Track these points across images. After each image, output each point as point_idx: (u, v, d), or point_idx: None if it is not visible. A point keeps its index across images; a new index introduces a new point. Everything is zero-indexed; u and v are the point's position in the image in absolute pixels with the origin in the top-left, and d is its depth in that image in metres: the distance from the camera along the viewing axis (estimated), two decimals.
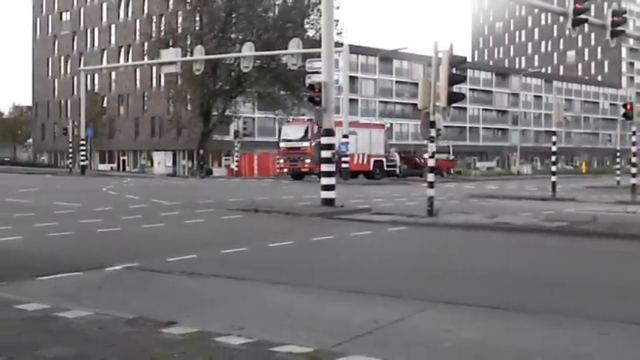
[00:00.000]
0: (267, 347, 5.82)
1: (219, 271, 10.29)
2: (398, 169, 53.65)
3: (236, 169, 60.94)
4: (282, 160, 49.53)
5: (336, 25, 42.71)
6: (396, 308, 7.87)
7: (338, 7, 43.02)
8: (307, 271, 10.69)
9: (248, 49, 41.12)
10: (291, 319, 7.46)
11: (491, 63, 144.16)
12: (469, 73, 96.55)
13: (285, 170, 49.03)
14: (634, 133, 29.02)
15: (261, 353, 5.69)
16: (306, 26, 58.18)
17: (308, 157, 45.42)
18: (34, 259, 11.16)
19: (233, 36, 58.82)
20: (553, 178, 26.97)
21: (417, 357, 5.64)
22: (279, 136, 52.13)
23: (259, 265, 11.12)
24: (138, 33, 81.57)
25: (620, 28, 26.49)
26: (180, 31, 63.07)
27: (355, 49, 73.90)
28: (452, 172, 63.95)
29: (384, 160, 52.33)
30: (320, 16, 49.31)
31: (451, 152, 63.93)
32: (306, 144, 46.53)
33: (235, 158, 62.24)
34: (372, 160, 51.35)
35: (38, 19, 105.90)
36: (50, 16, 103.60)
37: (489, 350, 6.27)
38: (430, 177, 18.37)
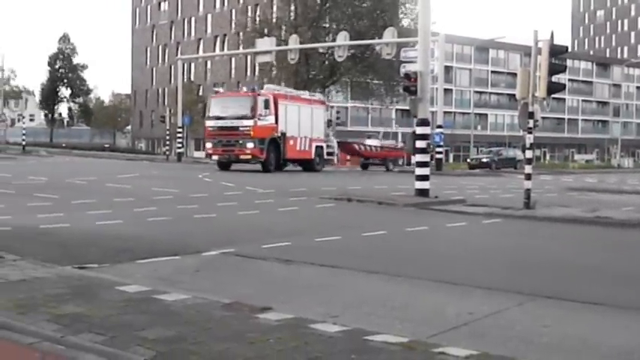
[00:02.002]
0: (361, 336, 5.81)
1: (313, 258, 10.35)
2: (336, 158, 46.73)
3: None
4: (210, 144, 37.88)
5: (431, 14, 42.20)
6: (492, 301, 7.75)
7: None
8: (401, 260, 10.64)
9: (342, 38, 41.16)
10: (386, 308, 7.44)
11: (591, 53, 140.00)
12: (568, 63, 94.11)
13: (215, 157, 37.54)
14: None
15: (356, 341, 5.68)
16: (401, 16, 57.77)
17: (250, 141, 35.67)
18: (134, 243, 11.46)
19: (327, 25, 58.94)
20: None
21: (514, 351, 5.53)
22: (205, 112, 40.92)
23: (353, 253, 11.14)
24: (233, 23, 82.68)
25: None
26: (275, 20, 63.57)
27: (450, 39, 72.92)
28: (401, 162, 54.23)
29: (324, 146, 42.15)
30: (415, 5, 48.89)
31: (399, 139, 57.46)
32: (248, 123, 35.86)
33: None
34: (313, 146, 41.06)
35: (137, 9, 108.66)
36: (149, 6, 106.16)
37: (589, 347, 6.11)
38: (528, 169, 18.02)
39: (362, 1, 60.00)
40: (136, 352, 5.24)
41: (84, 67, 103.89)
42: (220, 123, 36.71)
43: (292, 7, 62.35)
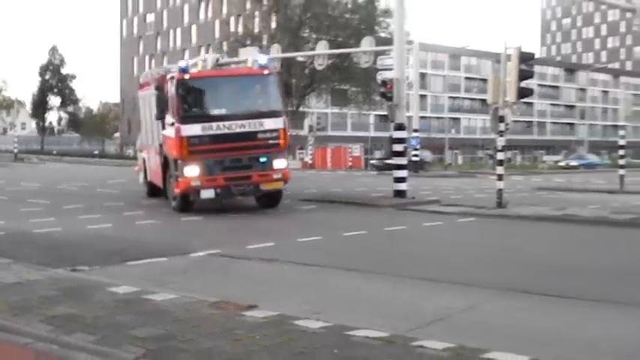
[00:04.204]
0: (343, 331, 5.82)
1: (296, 258, 10.35)
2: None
3: (310, 162, 61.16)
4: (196, 170, 16.44)
5: (407, 24, 42.27)
6: (467, 296, 7.79)
7: (409, 8, 42.48)
8: (381, 259, 10.66)
9: (322, 47, 41.11)
10: (367, 305, 7.46)
11: (559, 59, 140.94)
12: (537, 68, 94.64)
13: (208, 193, 16.70)
14: None
15: (339, 336, 5.69)
16: (376, 27, 57.92)
17: (281, 155, 17.37)
18: (124, 246, 11.43)
19: (306, 35, 58.96)
20: (621, 172, 26.25)
21: (488, 343, 5.56)
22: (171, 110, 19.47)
23: (335, 253, 11.15)
24: (217, 33, 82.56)
25: None
26: (257, 31, 63.53)
27: (425, 47, 73.11)
28: None
29: None
30: (390, 17, 49.03)
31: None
32: (275, 124, 17.24)
33: (309, 152, 62.46)
34: None
35: (124, 21, 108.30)
36: (135, 18, 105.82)
37: (563, 339, 6.15)
38: (500, 170, 18.10)
39: (340, 13, 60.11)
40: (127, 351, 5.22)
41: (73, 77, 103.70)
42: (218, 128, 16.61)
43: (273, 18, 62.36)
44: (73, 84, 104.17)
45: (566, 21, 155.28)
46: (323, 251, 11.25)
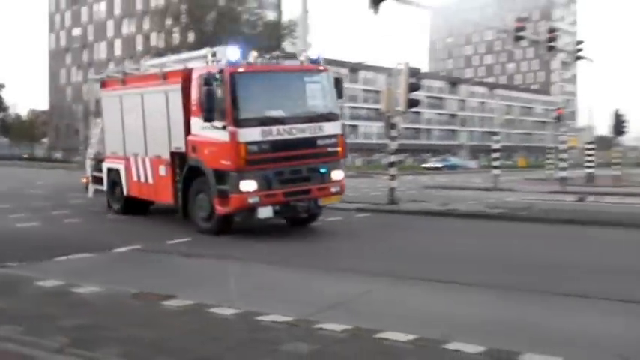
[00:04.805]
0: (254, 317, 5.84)
1: (212, 251, 10.27)
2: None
3: None
4: (253, 184, 11.79)
5: (311, 40, 42.37)
6: (364, 283, 7.91)
7: (313, 28, 42.61)
8: (288, 252, 10.67)
9: None
10: (275, 293, 7.48)
11: (443, 73, 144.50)
12: (425, 81, 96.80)
13: (266, 212, 12.03)
14: (563, 133, 29.31)
15: (249, 321, 5.70)
16: (285, 42, 57.96)
17: (338, 166, 13.08)
18: (51, 243, 11.07)
19: None
20: (495, 172, 27.12)
21: (382, 324, 5.66)
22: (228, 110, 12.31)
23: (249, 247, 11.10)
24: (140, 46, 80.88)
25: (553, 44, 26.87)
26: (176, 44, 62.56)
27: (328, 62, 73.57)
28: None
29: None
30: (294, 34, 49.00)
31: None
32: (334, 129, 12.93)
33: None
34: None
35: (53, 35, 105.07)
36: (63, 32, 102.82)
37: (445, 318, 6.31)
38: (392, 171, 18.42)
39: (249, 29, 59.81)
40: (54, 340, 5.07)
41: (2, 86, 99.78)
42: (278, 132, 12.13)
43: (192, 33, 61.54)
44: (3, 92, 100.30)
45: (450, 40, 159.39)
46: (238, 246, 11.18)
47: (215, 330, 5.42)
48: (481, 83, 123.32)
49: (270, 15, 58.15)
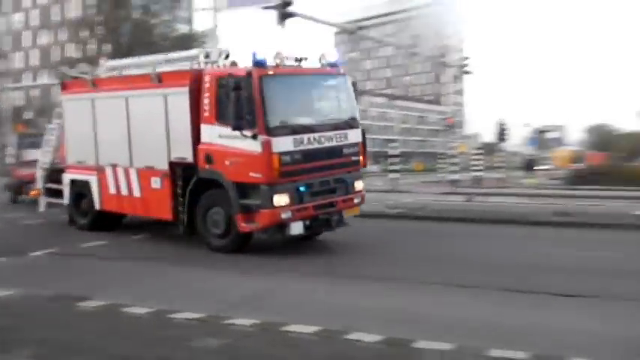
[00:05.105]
0: (166, 314, 5.76)
1: (127, 254, 10.03)
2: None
3: None
4: (285, 198, 9.95)
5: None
6: (271, 281, 7.93)
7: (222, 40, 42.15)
8: (199, 253, 10.53)
9: None
10: (188, 291, 7.39)
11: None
12: None
13: (297, 228, 10.12)
14: (453, 140, 30.28)
15: (162, 319, 5.62)
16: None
17: (359, 176, 11.76)
18: None
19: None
20: (393, 175, 27.68)
21: (288, 318, 5.70)
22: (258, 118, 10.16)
23: (161, 248, 10.88)
24: (56, 56, 78.03)
25: (443, 60, 27.75)
26: (93, 55, 60.73)
27: None
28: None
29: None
30: (204, 43, 48.50)
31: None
32: (355, 137, 11.39)
33: None
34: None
35: None
36: None
37: (350, 311, 6.39)
38: None
39: (162, 40, 58.75)
40: None
41: None
42: (308, 141, 10.41)
43: (109, 45, 59.85)
44: None
45: (353, 54, 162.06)
46: (153, 247, 10.94)
47: (128, 329, 5.31)
48: (381, 94, 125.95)
49: (183, 28, 57.46)
